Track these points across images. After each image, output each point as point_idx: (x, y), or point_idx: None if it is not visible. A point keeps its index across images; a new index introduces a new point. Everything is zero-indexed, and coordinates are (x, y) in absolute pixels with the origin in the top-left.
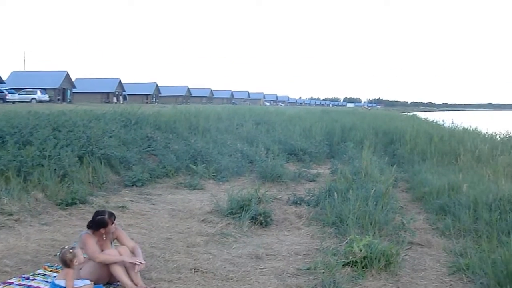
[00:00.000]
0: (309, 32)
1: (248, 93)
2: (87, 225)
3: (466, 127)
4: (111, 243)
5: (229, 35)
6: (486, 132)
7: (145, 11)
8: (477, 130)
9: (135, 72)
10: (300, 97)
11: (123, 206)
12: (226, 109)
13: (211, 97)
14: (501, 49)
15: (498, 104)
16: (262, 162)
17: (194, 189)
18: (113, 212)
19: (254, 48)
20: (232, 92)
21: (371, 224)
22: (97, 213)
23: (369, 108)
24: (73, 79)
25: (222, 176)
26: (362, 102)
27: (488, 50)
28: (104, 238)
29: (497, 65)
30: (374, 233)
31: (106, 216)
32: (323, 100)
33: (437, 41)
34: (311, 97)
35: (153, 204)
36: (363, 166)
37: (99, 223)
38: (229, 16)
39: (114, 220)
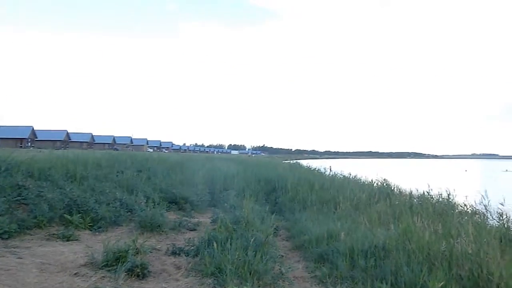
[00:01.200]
0: (193, 78)
1: (131, 139)
2: None
3: (346, 175)
4: None
5: (110, 77)
6: (365, 180)
7: (20, 48)
8: (356, 178)
9: (9, 114)
10: (185, 144)
11: None
12: (107, 155)
13: (92, 142)
14: (379, 99)
15: (378, 152)
16: (142, 211)
17: (68, 241)
18: None
19: (138, 92)
20: (114, 137)
21: (250, 274)
22: None
23: (253, 155)
24: None
25: (99, 226)
26: (247, 149)
27: (365, 100)
28: None
29: (376, 115)
30: (253, 283)
31: None
32: (207, 146)
33: (296, 92)
34: (196, 144)
35: (20, 258)
36: (244, 215)
37: None
38: (109, 58)
39: None
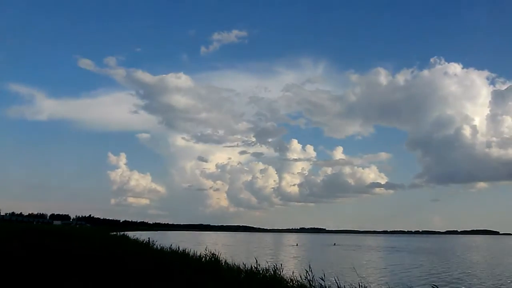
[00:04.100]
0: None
1: None
2: None
3: (174, 249)
4: None
5: None
6: (194, 253)
7: None
8: (185, 252)
9: None
10: None
11: None
12: None
13: None
14: None
15: (209, 225)
16: None
17: None
18: None
19: None
20: None
21: None
22: None
23: (77, 226)
24: None
25: None
26: (71, 220)
27: None
28: None
29: None
30: None
31: None
32: (27, 216)
33: None
34: (13, 213)
35: None
36: None
37: None
38: None
39: None
